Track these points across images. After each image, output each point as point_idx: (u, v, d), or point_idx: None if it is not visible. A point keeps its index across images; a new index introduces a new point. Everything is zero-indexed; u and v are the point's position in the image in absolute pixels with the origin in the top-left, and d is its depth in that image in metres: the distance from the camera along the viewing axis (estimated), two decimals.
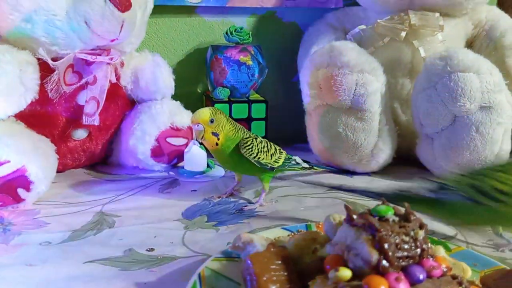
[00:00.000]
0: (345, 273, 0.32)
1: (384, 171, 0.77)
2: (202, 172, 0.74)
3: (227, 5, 0.85)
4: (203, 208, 0.63)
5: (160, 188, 0.69)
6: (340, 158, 0.75)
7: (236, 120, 0.81)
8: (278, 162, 0.63)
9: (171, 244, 0.52)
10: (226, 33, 0.82)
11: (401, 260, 0.32)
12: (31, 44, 0.62)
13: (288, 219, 0.59)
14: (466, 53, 0.67)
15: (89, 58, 0.64)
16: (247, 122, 0.83)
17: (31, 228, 0.56)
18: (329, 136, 0.74)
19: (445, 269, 0.33)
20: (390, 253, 0.31)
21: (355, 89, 0.69)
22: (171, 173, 0.75)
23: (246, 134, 0.62)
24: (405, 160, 0.79)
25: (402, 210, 0.34)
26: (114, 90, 0.71)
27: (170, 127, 0.72)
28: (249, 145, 0.61)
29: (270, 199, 0.65)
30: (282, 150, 0.66)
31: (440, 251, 0.41)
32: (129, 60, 0.73)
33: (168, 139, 0.72)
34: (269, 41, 0.91)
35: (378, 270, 0.31)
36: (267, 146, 0.63)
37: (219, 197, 0.66)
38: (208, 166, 0.75)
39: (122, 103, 0.74)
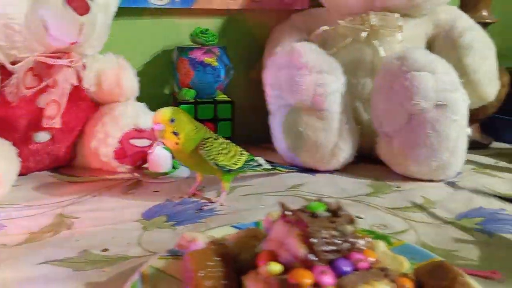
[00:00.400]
0: (275, 267, 0.33)
1: (346, 170, 0.78)
2: (166, 173, 0.75)
3: (192, 7, 0.86)
4: (164, 209, 0.63)
5: (123, 189, 0.70)
6: (303, 157, 0.76)
7: (202, 120, 0.83)
8: (237, 164, 0.64)
9: (127, 245, 0.53)
10: (192, 34, 0.83)
11: (328, 254, 0.33)
12: None
13: (246, 218, 0.60)
14: (422, 53, 0.68)
15: (49, 61, 0.64)
16: (213, 122, 0.84)
17: None
18: (291, 136, 0.75)
19: (373, 262, 0.34)
20: (317, 248, 0.32)
21: (315, 89, 0.70)
22: (135, 174, 0.75)
23: (207, 135, 0.63)
24: (367, 158, 0.81)
25: (334, 206, 0.36)
26: (77, 93, 0.71)
27: (134, 128, 0.72)
28: (207, 146, 0.61)
29: (230, 198, 0.66)
30: (244, 152, 0.67)
31: (380, 245, 0.42)
32: (92, 63, 0.73)
33: (132, 141, 0.73)
34: (237, 42, 0.92)
35: (306, 264, 0.32)
36: (228, 148, 0.64)
37: (180, 197, 0.66)
38: (173, 167, 0.76)
39: (86, 106, 0.74)
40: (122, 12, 0.82)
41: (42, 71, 0.66)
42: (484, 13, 0.91)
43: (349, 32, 0.79)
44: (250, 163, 0.67)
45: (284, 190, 0.70)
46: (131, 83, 0.75)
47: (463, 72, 0.77)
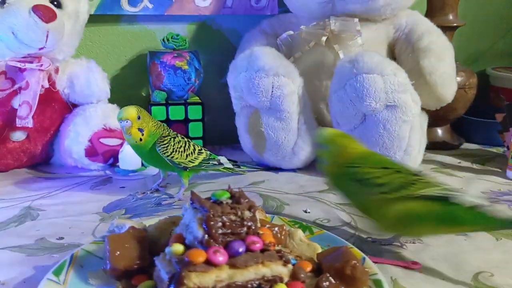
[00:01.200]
0: (177, 248, 0.37)
1: (308, 168, 0.82)
2: (135, 171, 0.79)
3: (165, 13, 0.91)
4: (125, 203, 0.68)
5: (92, 185, 0.74)
6: (266, 156, 0.80)
7: (174, 121, 0.87)
8: (193, 162, 0.68)
9: (81, 234, 0.58)
10: (163, 40, 0.87)
11: (225, 236, 0.37)
12: None
13: None
14: (371, 56, 0.71)
15: (20, 65, 0.69)
16: (184, 123, 0.88)
17: None
18: (254, 135, 0.79)
19: (268, 245, 0.38)
20: (213, 230, 0.36)
21: (272, 91, 0.74)
22: (107, 172, 0.80)
23: (166, 132, 0.67)
24: None
25: (237, 194, 0.39)
26: (50, 94, 0.76)
27: (103, 128, 0.77)
28: (165, 144, 0.66)
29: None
30: (203, 151, 0.71)
31: (298, 233, 0.46)
32: (65, 67, 0.78)
33: (102, 140, 0.77)
34: (209, 47, 0.96)
35: (204, 245, 0.36)
36: (185, 146, 0.68)
37: (143, 192, 0.71)
38: (142, 165, 0.80)
39: (60, 107, 0.79)
40: (98, 18, 0.87)
41: (14, 75, 0.71)
42: (451, 17, 0.93)
43: (311, 37, 0.82)
44: (208, 161, 0.71)
45: (244, 187, 0.74)
46: (101, 85, 0.79)
47: (420, 74, 0.80)
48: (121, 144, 0.79)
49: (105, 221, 0.61)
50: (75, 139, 0.76)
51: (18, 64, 0.69)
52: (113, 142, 0.78)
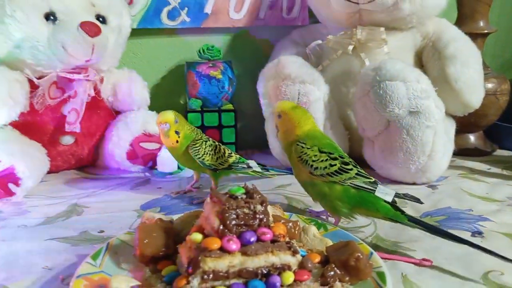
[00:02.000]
0: (196, 236, 0.41)
1: None
2: (172, 173, 0.85)
3: (202, 26, 0.97)
4: (160, 202, 0.73)
5: (132, 186, 0.81)
6: None
7: (208, 127, 0.93)
8: (223, 165, 0.73)
9: (119, 228, 0.63)
10: (199, 51, 0.93)
11: (239, 227, 0.41)
12: (21, 65, 0.76)
13: None
14: (394, 63, 0.74)
15: (69, 76, 0.77)
16: (218, 129, 0.93)
17: (14, 215, 0.68)
18: None
19: (278, 236, 0.42)
20: (227, 221, 0.41)
21: (298, 98, 0.78)
22: (146, 174, 0.86)
23: (198, 136, 0.72)
24: (358, 161, 0.86)
25: (251, 190, 0.44)
26: (95, 102, 0.84)
27: (143, 133, 0.83)
28: (197, 146, 0.71)
29: None
30: (232, 154, 0.75)
31: (311, 229, 0.50)
32: (109, 77, 0.86)
33: (142, 144, 0.84)
34: (243, 56, 1.01)
35: (219, 234, 0.41)
36: (215, 149, 0.73)
37: (177, 192, 0.76)
38: (178, 167, 0.86)
39: (104, 113, 0.87)
40: (140, 32, 0.95)
41: (64, 84, 0.79)
42: (481, 23, 0.94)
43: (338, 46, 0.86)
44: (237, 164, 0.75)
45: (270, 189, 0.78)
46: (141, 93, 0.86)
47: (445, 80, 0.82)
48: (159, 148, 0.85)
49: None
50: (117, 143, 0.83)
51: (68, 75, 0.77)
52: (152, 146, 0.84)
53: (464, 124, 0.92)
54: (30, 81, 0.77)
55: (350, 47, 0.84)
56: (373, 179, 0.59)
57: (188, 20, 0.96)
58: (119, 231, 0.62)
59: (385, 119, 0.75)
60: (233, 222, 0.41)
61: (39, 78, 0.77)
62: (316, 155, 0.58)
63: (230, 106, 0.96)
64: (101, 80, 0.84)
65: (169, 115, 0.69)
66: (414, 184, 0.79)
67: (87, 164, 0.90)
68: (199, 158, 0.71)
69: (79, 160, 0.87)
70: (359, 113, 0.79)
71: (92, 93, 0.81)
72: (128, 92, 0.85)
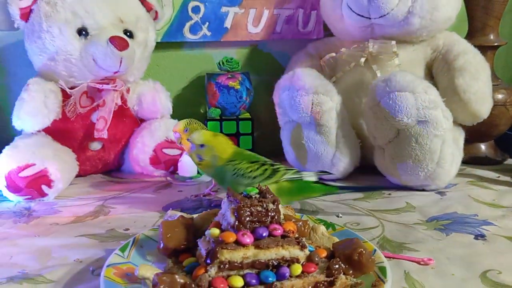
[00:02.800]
0: (214, 231, 0.46)
1: (347, 178, 0.88)
2: (192, 177, 0.90)
3: (222, 40, 1.02)
4: (181, 204, 0.78)
5: (154, 189, 0.86)
6: (307, 167, 0.88)
7: (226, 135, 0.97)
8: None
9: (144, 227, 0.68)
10: (219, 63, 0.99)
11: (252, 224, 0.45)
12: (55, 76, 0.83)
13: None
14: (404, 75, 0.78)
15: (98, 86, 0.83)
16: (235, 136, 0.98)
17: (47, 214, 0.74)
18: (297, 148, 0.87)
19: (288, 232, 0.46)
20: (242, 218, 0.45)
21: (312, 108, 0.82)
22: (168, 178, 0.92)
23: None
24: (371, 168, 0.90)
25: (263, 190, 0.48)
26: (122, 111, 0.90)
27: (165, 140, 0.89)
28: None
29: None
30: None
31: (320, 228, 0.54)
32: (135, 87, 0.92)
33: (164, 150, 0.89)
34: (259, 68, 1.06)
35: (235, 229, 0.45)
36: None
37: (196, 195, 0.81)
38: (198, 172, 0.91)
39: (130, 121, 0.92)
40: (163, 45, 1.01)
41: (94, 94, 0.85)
42: (492, 36, 0.97)
43: (350, 58, 0.90)
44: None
45: None
46: (164, 103, 0.92)
47: (454, 92, 0.85)
48: (181, 154, 0.90)
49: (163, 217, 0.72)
50: (142, 149, 0.88)
51: (97, 86, 0.83)
52: (173, 152, 0.90)
53: (475, 134, 0.95)
54: (63, 91, 0.84)
55: (362, 60, 0.88)
56: (296, 169, 0.70)
57: (209, 34, 1.01)
58: (143, 230, 0.67)
59: (395, 128, 0.79)
60: (248, 218, 0.45)
61: (71, 88, 0.83)
62: (248, 167, 0.67)
63: (247, 115, 1.00)
64: (128, 91, 0.90)
65: (179, 125, 0.75)
66: (423, 190, 0.82)
67: (113, 169, 0.96)
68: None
69: (105, 164, 0.93)
70: (370, 122, 0.83)
71: (119, 102, 0.87)
72: (152, 102, 0.91)
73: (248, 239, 0.44)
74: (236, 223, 0.45)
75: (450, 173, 0.82)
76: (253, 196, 0.47)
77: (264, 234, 0.45)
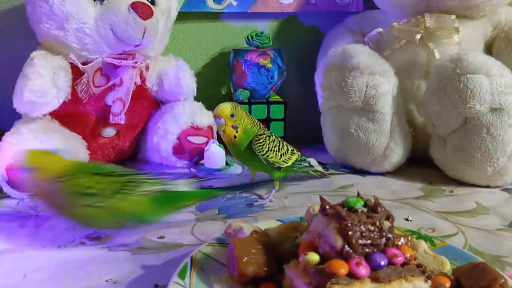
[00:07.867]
0: (313, 257, 0.35)
1: (398, 172, 0.78)
2: (220, 170, 0.78)
3: (249, 11, 0.89)
4: (216, 202, 0.67)
5: None
6: (354, 159, 0.77)
7: None
8: (286, 162, 0.66)
9: (180, 233, 0.57)
10: (247, 37, 0.86)
11: (364, 247, 0.35)
12: (64, 49, 0.69)
13: (294, 215, 0.62)
14: (476, 55, 0.67)
15: (116, 62, 0.70)
16: (266, 122, 0.86)
17: None
18: (342, 137, 0.76)
19: (409, 258, 0.35)
20: (353, 240, 0.34)
21: (366, 91, 0.71)
22: (192, 169, 0.80)
23: (261, 131, 0.66)
24: (422, 160, 0.80)
25: (372, 202, 0.37)
26: (140, 91, 0.77)
27: (191, 126, 0.77)
28: (261, 142, 0.64)
29: (280, 195, 0.69)
30: (295, 151, 0.69)
31: (421, 244, 0.43)
32: (154, 64, 0.79)
33: (189, 138, 0.77)
34: (291, 45, 0.94)
35: (343, 256, 0.34)
36: (279, 146, 0.66)
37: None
38: (226, 164, 0.79)
39: (148, 104, 0.80)
40: (182, 16, 0.87)
41: (109, 71, 0.72)
42: None
43: (403, 34, 0.79)
44: (300, 163, 0.69)
45: (333, 190, 0.72)
46: (189, 83, 0.79)
47: None
48: (207, 143, 0.78)
49: (202, 221, 0.61)
50: (164, 136, 0.76)
51: (114, 61, 0.70)
52: (199, 140, 0.78)
53: None
54: (73, 67, 0.70)
55: (418, 36, 0.77)
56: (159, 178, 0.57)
57: (235, 4, 0.89)
58: (182, 237, 0.56)
59: (462, 116, 0.69)
60: (360, 241, 0.34)
61: (83, 64, 0.69)
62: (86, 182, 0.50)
63: (277, 98, 0.89)
64: (147, 68, 0.76)
65: (224, 109, 0.63)
66: (487, 186, 0.73)
67: (127, 158, 0.84)
68: (263, 155, 0.64)
69: (119, 153, 0.81)
70: (432, 108, 0.72)
71: (139, 82, 0.74)
72: (175, 82, 0.78)
73: (363, 269, 0.33)
74: (346, 248, 0.34)
75: None
76: (359, 210, 0.36)
77: (382, 263, 0.34)
